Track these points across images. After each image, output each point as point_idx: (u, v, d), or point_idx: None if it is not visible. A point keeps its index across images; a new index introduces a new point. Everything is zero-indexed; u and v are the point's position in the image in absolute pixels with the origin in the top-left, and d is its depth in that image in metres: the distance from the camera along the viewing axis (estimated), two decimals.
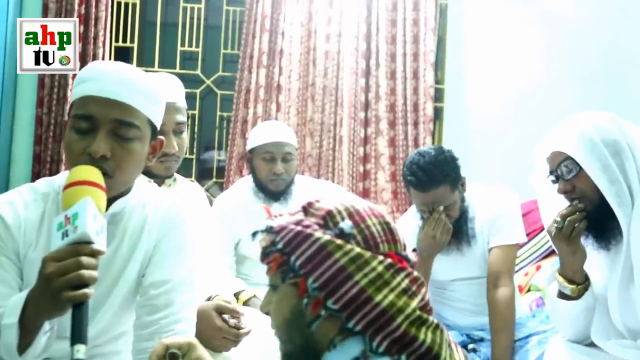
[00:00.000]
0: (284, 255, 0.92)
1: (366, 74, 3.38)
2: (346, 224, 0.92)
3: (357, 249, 0.90)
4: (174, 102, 1.75)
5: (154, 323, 1.27)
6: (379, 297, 0.88)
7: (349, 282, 0.89)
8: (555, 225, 1.54)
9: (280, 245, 0.93)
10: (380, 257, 0.91)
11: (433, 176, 2.00)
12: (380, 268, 0.90)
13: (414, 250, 0.98)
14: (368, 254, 0.90)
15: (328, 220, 0.93)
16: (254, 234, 0.98)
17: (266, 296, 0.99)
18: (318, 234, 0.91)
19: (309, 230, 0.92)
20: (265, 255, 0.96)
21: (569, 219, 1.52)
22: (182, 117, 1.78)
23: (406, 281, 0.91)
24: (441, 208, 2.03)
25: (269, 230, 0.96)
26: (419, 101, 3.37)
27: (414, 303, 0.91)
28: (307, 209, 0.97)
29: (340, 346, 0.90)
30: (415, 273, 0.94)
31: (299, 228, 0.93)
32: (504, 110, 3.47)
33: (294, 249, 0.92)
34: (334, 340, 0.90)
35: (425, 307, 0.93)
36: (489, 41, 3.50)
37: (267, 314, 0.99)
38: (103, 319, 1.32)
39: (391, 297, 0.89)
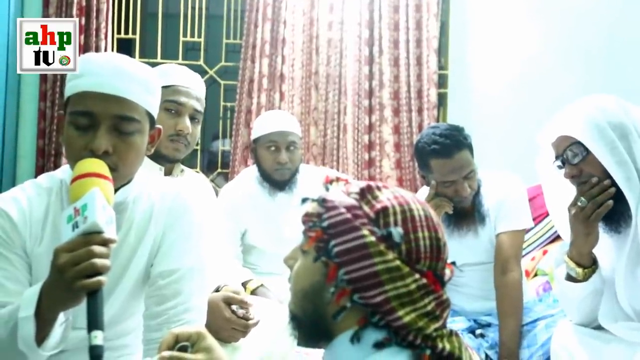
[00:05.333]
0: (325, 234, 0.91)
1: (369, 62, 3.36)
2: (397, 232, 0.89)
3: (397, 262, 0.88)
4: (195, 92, 1.84)
5: (162, 313, 1.28)
6: (401, 312, 0.87)
7: (378, 288, 0.88)
8: (579, 204, 1.52)
9: (325, 224, 0.91)
10: (417, 276, 0.89)
11: (456, 139, 2.03)
12: (412, 286, 0.88)
13: (453, 263, 0.96)
14: (406, 270, 0.88)
15: (380, 217, 0.91)
16: (304, 200, 0.97)
17: (294, 250, 0.99)
18: (365, 230, 0.89)
19: (357, 223, 0.90)
20: (308, 224, 0.94)
21: (593, 200, 1.50)
22: (199, 106, 1.84)
23: (432, 304, 0.90)
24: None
25: (320, 201, 0.94)
26: (422, 87, 3.35)
27: (434, 325, 0.89)
28: (364, 194, 0.94)
29: (362, 333, 0.89)
30: (445, 296, 0.92)
31: (348, 215, 0.90)
32: (507, 95, 3.45)
33: (336, 235, 0.90)
34: (358, 332, 0.89)
35: (442, 329, 0.92)
36: (492, 26, 3.47)
37: (289, 267, 0.98)
38: (110, 310, 1.31)
39: (413, 315, 0.88)
